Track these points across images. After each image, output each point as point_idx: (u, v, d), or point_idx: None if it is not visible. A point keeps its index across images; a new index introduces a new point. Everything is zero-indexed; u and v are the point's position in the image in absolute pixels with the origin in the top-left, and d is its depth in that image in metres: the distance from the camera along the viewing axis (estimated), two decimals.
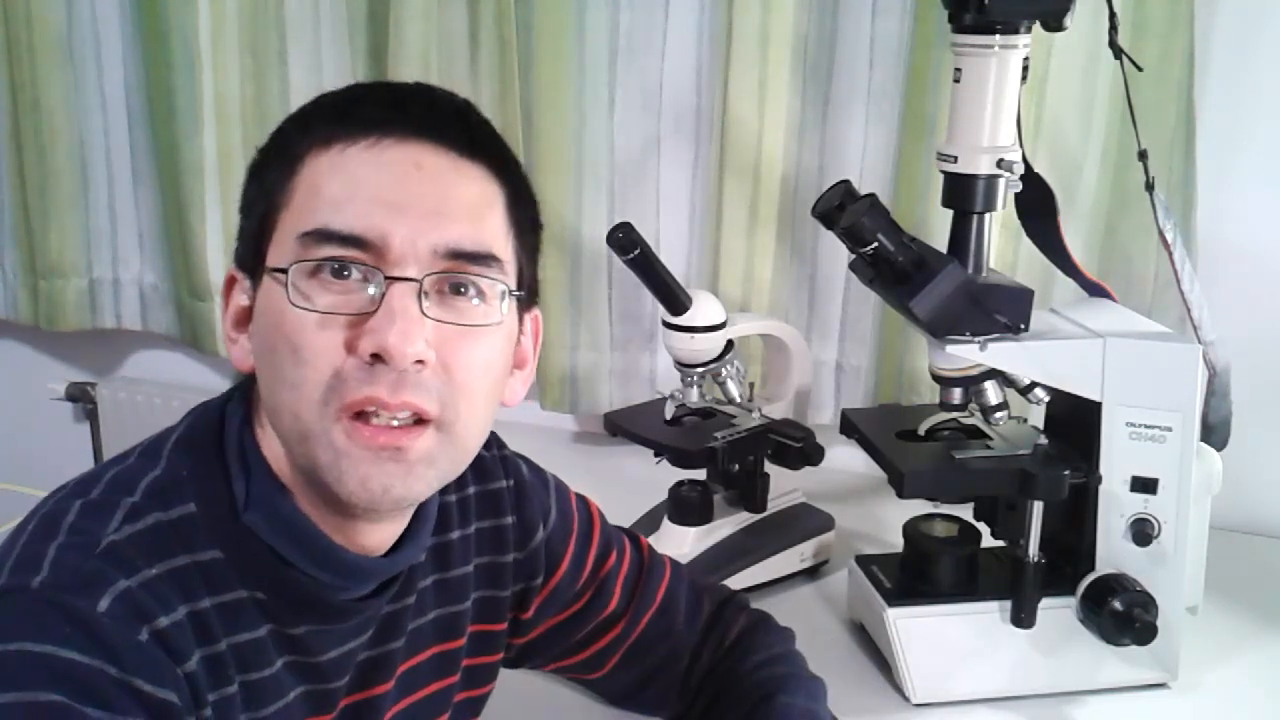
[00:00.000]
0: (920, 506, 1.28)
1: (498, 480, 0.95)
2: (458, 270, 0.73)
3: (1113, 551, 1.15)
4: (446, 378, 0.72)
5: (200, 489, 0.75)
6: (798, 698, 0.95)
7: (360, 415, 0.71)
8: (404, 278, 0.71)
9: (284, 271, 0.72)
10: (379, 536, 0.80)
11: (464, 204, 0.74)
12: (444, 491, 0.87)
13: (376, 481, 0.72)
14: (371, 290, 0.71)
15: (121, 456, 0.78)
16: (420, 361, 0.71)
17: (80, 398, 2.13)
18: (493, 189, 0.77)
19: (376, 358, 0.70)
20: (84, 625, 0.66)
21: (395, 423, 0.71)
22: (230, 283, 0.80)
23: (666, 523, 1.36)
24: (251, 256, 0.76)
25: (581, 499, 1.03)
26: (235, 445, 0.77)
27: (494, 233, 0.76)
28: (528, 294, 0.81)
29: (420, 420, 0.72)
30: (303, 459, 0.73)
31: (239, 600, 0.74)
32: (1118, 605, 1.12)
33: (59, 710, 0.63)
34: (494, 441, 0.96)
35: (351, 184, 0.72)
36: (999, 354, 1.11)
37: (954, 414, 1.23)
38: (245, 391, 0.80)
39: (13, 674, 0.63)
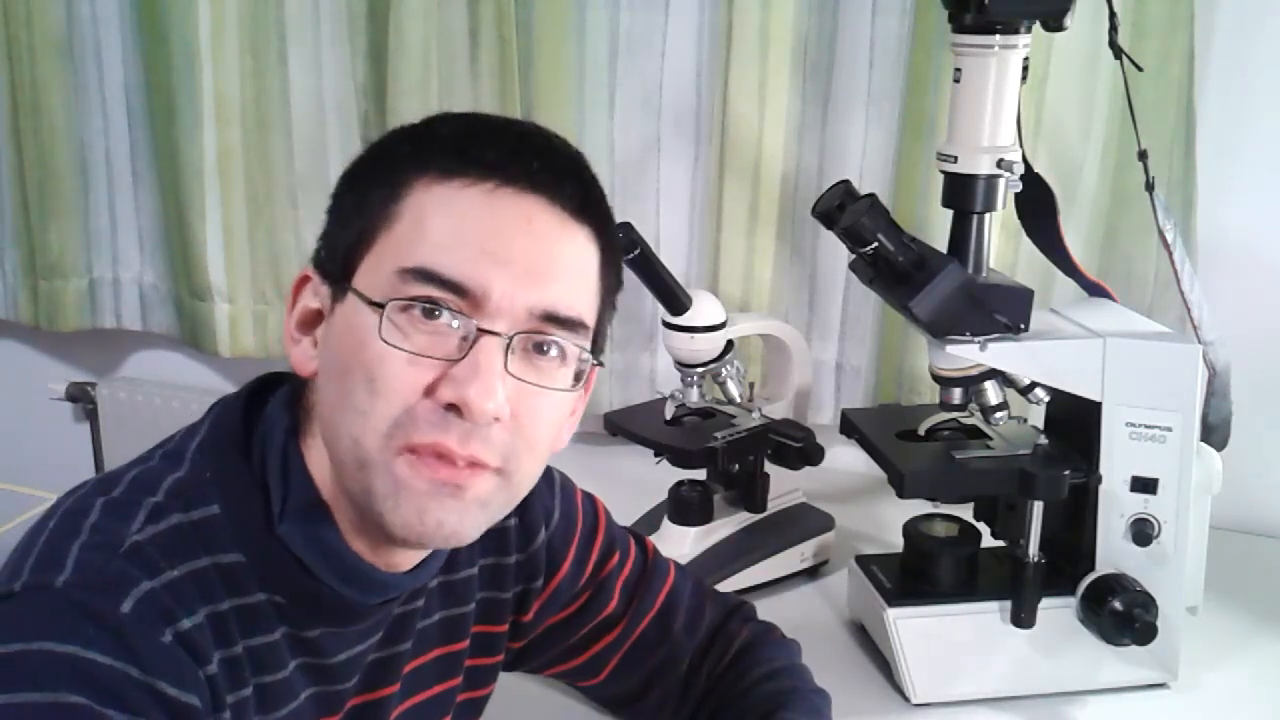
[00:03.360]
0: (920, 506, 1.28)
1: None
2: (546, 332, 0.73)
3: (1113, 551, 1.15)
4: (516, 432, 0.73)
5: (225, 492, 0.75)
6: (798, 714, 0.94)
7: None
8: (494, 332, 0.71)
9: (380, 306, 0.71)
10: (412, 557, 0.80)
11: (566, 267, 0.74)
12: None
13: (432, 516, 0.72)
14: (458, 334, 0.71)
15: (144, 458, 0.78)
16: (497, 418, 0.71)
17: (80, 398, 2.13)
18: (592, 251, 0.77)
19: (453, 407, 0.70)
20: (108, 626, 0.66)
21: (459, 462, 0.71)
22: (302, 282, 0.78)
23: (666, 523, 1.36)
24: (338, 268, 0.75)
25: (589, 498, 1.03)
26: (278, 455, 0.76)
27: (587, 299, 0.76)
28: (599, 354, 0.81)
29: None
30: (355, 484, 0.73)
31: (257, 603, 0.74)
32: (1118, 605, 1.12)
33: (82, 712, 0.63)
34: None
35: (461, 227, 0.72)
36: (999, 354, 1.11)
37: (954, 414, 1.23)
38: (292, 396, 0.79)
39: (36, 674, 0.63)
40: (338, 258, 0.75)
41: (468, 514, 0.73)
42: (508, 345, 0.71)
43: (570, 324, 0.74)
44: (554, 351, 0.74)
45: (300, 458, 0.77)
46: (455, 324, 0.71)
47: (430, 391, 0.70)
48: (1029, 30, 1.09)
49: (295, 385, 0.79)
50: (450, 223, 0.72)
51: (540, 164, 0.74)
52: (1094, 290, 1.25)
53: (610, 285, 0.80)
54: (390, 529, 0.72)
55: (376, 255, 0.73)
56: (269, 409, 0.79)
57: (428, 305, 0.71)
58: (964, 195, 1.12)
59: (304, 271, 0.79)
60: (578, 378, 0.76)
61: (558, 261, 0.74)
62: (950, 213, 1.14)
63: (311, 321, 0.77)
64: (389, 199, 0.74)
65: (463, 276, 0.71)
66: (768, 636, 1.04)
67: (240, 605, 0.73)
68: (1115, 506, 1.14)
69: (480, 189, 0.72)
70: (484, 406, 0.69)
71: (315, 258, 0.78)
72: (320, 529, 0.76)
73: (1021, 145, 1.13)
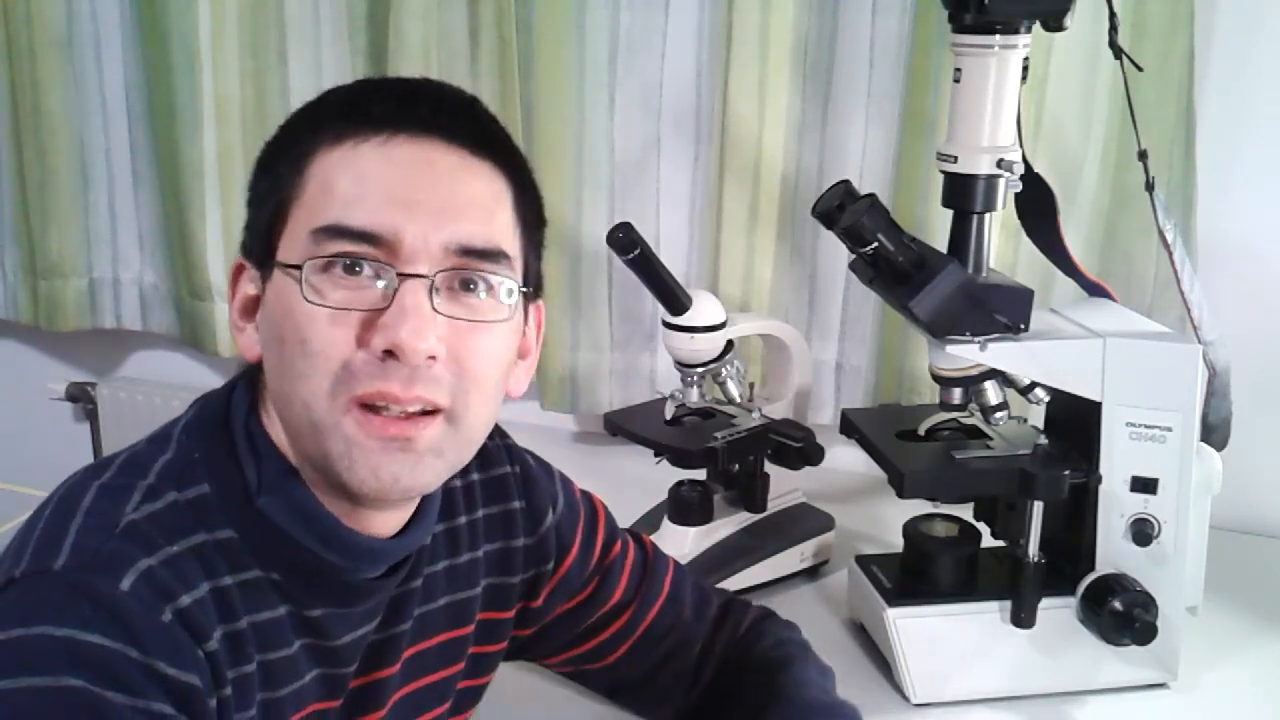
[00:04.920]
0: (920, 506, 1.28)
1: (503, 467, 0.96)
2: (468, 267, 0.75)
3: (1113, 551, 1.15)
4: (458, 370, 0.74)
5: (213, 471, 0.76)
6: (810, 670, 0.98)
7: (370, 407, 0.72)
8: (416, 274, 0.72)
9: (298, 268, 0.73)
10: (386, 522, 0.81)
11: (474, 201, 0.76)
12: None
13: (386, 471, 0.73)
14: (382, 286, 0.72)
15: (130, 446, 0.79)
16: (432, 357, 0.72)
17: (80, 398, 2.13)
18: (501, 185, 0.78)
19: (389, 354, 0.71)
20: (106, 606, 0.66)
21: (406, 412, 0.73)
22: (238, 271, 0.80)
23: (666, 523, 1.36)
24: (261, 249, 0.77)
25: (585, 492, 1.05)
26: (243, 431, 0.78)
27: (503, 229, 0.77)
28: (533, 288, 0.82)
29: (430, 410, 0.73)
30: (312, 448, 0.74)
31: (257, 580, 0.75)
32: (1118, 605, 1.12)
33: (80, 695, 0.63)
34: (498, 431, 0.97)
35: (364, 181, 0.73)
36: (999, 354, 1.11)
37: (954, 414, 1.23)
38: (250, 379, 0.80)
39: (34, 658, 0.63)
40: (260, 239, 0.77)
41: (421, 464, 0.74)
42: (431, 285, 0.73)
43: (490, 255, 0.76)
44: (480, 285, 0.75)
45: (264, 432, 0.78)
46: (376, 274, 0.72)
47: (364, 343, 0.72)
48: (1029, 30, 1.09)
49: (252, 371, 0.81)
50: (353, 179, 0.73)
51: (431, 108, 0.76)
52: (1094, 290, 1.25)
53: (530, 219, 0.81)
54: (349, 487, 0.74)
55: (292, 226, 0.75)
56: (234, 394, 0.81)
57: (347, 261, 0.72)
58: (964, 195, 1.12)
59: (237, 261, 0.80)
60: (511, 310, 0.77)
61: (464, 197, 0.75)
62: (950, 213, 1.14)
63: (251, 308, 0.79)
64: (294, 171, 0.75)
65: (373, 225, 0.72)
66: (773, 617, 1.07)
67: (242, 580, 0.74)
68: (1115, 506, 1.14)
69: (375, 142, 0.74)
70: (416, 346, 0.71)
71: (243, 246, 0.80)
72: (295, 496, 0.77)
73: (1021, 145, 1.13)
